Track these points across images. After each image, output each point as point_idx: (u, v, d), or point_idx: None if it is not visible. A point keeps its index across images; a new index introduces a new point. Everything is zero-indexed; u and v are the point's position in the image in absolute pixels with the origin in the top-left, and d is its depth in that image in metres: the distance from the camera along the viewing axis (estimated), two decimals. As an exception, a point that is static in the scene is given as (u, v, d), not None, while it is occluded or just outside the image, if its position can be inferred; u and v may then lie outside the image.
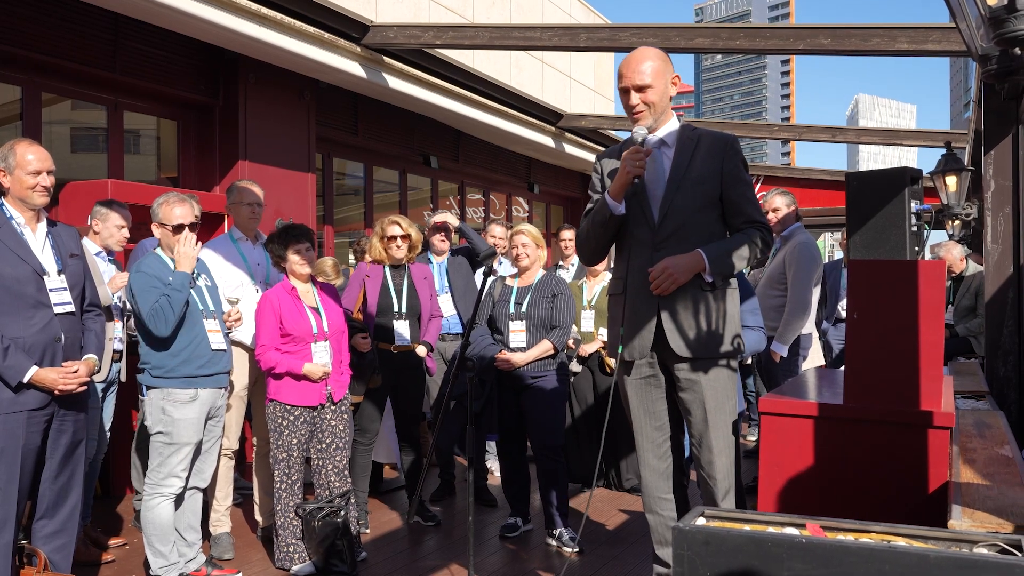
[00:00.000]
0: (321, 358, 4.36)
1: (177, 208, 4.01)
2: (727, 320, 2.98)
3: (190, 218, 4.04)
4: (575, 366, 5.73)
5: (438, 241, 5.97)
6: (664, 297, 2.93)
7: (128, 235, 4.70)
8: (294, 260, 4.37)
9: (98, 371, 3.68)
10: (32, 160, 3.44)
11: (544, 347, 4.72)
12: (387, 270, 5.12)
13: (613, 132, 12.45)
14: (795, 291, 5.17)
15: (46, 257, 3.48)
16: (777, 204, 5.46)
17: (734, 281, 3.06)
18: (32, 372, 3.33)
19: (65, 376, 3.40)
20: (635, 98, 2.97)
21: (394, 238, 5.06)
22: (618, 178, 2.96)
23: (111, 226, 4.60)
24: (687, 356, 2.94)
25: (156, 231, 4.04)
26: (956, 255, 7.16)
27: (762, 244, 2.98)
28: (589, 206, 3.20)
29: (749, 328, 3.46)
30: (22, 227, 3.46)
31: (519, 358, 4.69)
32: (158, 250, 4.08)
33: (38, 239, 3.50)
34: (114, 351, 4.63)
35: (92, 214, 4.65)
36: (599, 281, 5.82)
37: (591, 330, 5.72)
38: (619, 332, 3.00)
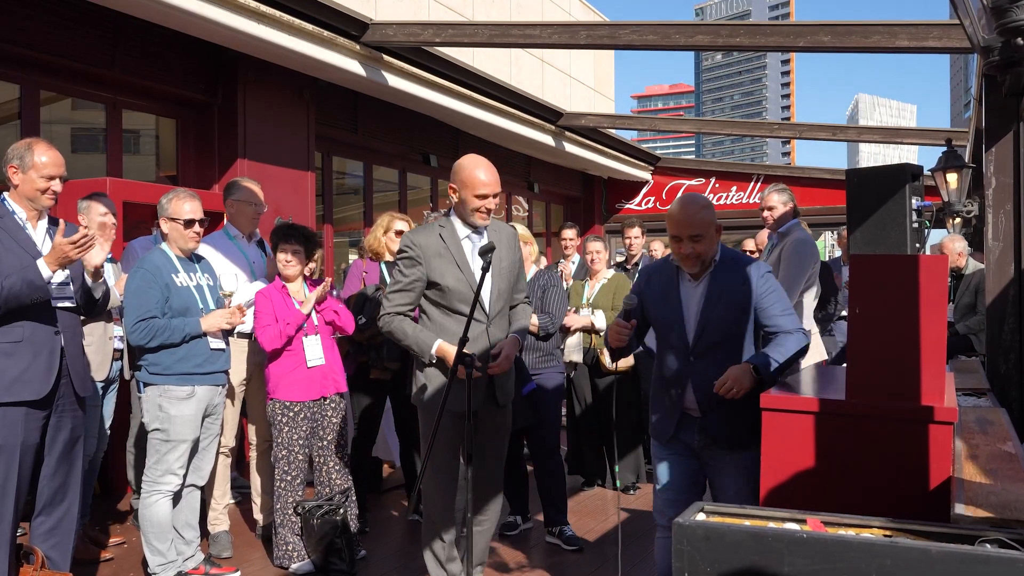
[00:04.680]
0: (314, 352, 4.36)
1: (187, 203, 4.00)
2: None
3: (200, 214, 4.03)
4: (576, 355, 5.72)
5: None
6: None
7: (114, 222, 4.65)
8: (281, 258, 4.39)
9: (103, 280, 3.70)
10: (48, 163, 3.45)
11: (532, 319, 4.71)
12: (383, 266, 5.12)
13: (613, 131, 12.43)
14: (784, 283, 5.14)
15: (47, 252, 3.47)
16: (772, 203, 5.42)
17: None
18: (41, 263, 3.32)
19: (68, 242, 3.33)
20: (492, 204, 3.47)
21: (401, 232, 5.07)
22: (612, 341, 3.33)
23: (94, 216, 4.57)
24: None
25: (164, 226, 4.02)
26: (956, 249, 7.07)
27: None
28: (397, 286, 3.46)
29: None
30: (24, 222, 3.48)
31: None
32: (163, 245, 4.06)
33: (39, 234, 3.52)
34: (115, 350, 4.62)
35: (78, 210, 4.63)
36: (599, 280, 5.83)
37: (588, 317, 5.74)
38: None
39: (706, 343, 3.25)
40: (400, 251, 3.50)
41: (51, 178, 3.46)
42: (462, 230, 3.49)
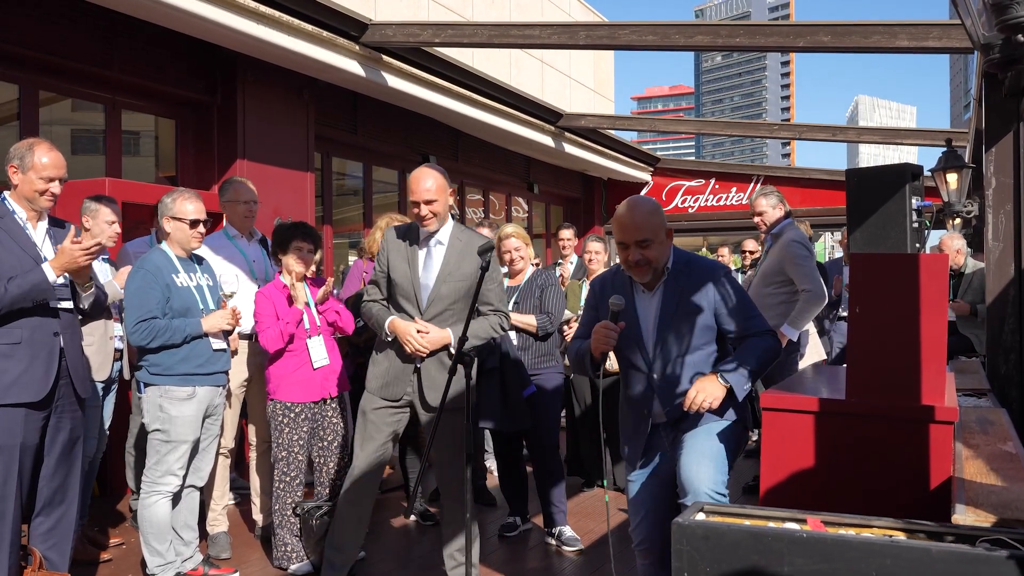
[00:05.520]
0: (318, 353, 4.35)
1: (191, 203, 3.99)
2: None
3: (204, 214, 4.03)
4: None
5: None
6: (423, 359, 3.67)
7: (119, 231, 4.65)
8: (291, 257, 4.37)
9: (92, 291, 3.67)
10: (47, 165, 3.44)
11: (527, 319, 4.71)
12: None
13: (613, 132, 12.42)
14: (806, 280, 5.13)
15: (47, 252, 3.47)
16: (762, 207, 5.44)
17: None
18: (47, 267, 3.33)
19: (80, 248, 3.36)
20: (424, 210, 3.61)
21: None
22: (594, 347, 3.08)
23: (101, 222, 4.56)
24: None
25: (168, 225, 4.00)
26: (954, 247, 7.10)
27: (500, 329, 3.76)
28: (372, 277, 3.81)
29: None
30: (24, 222, 3.47)
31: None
32: (163, 245, 4.05)
33: (39, 234, 3.51)
34: (115, 350, 4.61)
35: (83, 210, 4.61)
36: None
37: None
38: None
39: (666, 358, 3.05)
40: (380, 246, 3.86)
41: (50, 180, 3.45)
42: (424, 232, 3.71)
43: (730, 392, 2.95)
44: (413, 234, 3.71)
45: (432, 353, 3.66)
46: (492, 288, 3.73)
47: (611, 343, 3.00)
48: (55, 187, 3.47)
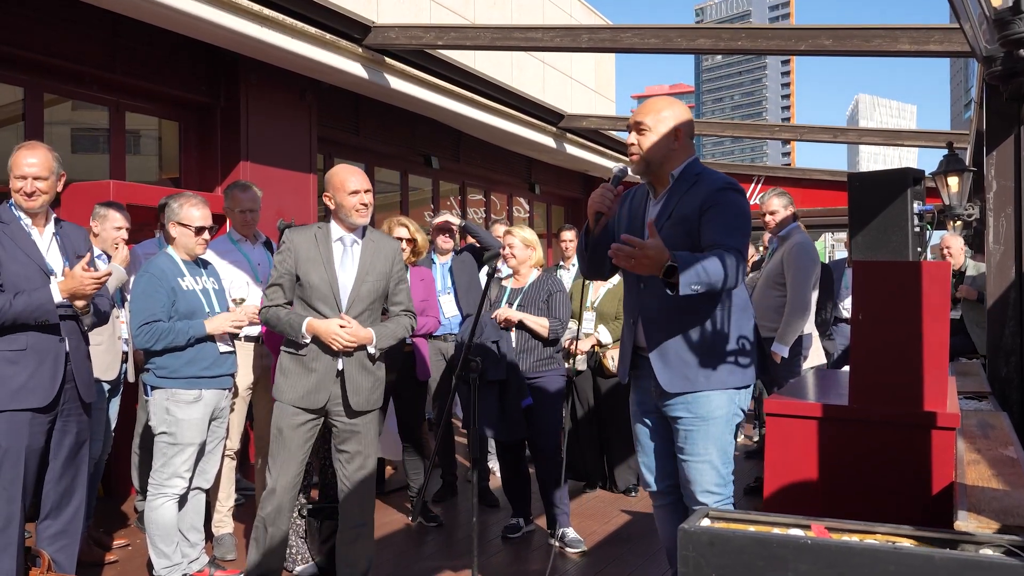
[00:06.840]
0: None
1: (197, 209, 4.00)
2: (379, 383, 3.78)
3: (209, 221, 4.04)
4: (581, 365, 5.72)
5: (442, 241, 6.02)
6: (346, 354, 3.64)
7: (126, 236, 4.68)
8: None
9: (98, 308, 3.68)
10: (18, 163, 3.46)
11: (541, 321, 4.72)
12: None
13: (614, 133, 12.44)
14: (794, 291, 5.17)
15: (53, 257, 3.49)
16: (774, 207, 5.48)
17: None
18: (54, 288, 3.34)
19: (91, 277, 3.39)
20: (367, 198, 3.62)
21: (399, 240, 5.08)
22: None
23: (109, 227, 4.59)
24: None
25: (174, 230, 4.01)
26: (957, 245, 7.18)
27: (412, 328, 3.87)
28: (270, 281, 3.73)
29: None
30: (29, 227, 3.48)
31: (515, 315, 4.71)
32: (169, 249, 4.07)
33: (44, 239, 3.52)
34: (122, 352, 4.63)
35: (92, 215, 4.65)
36: (604, 283, 5.78)
37: (591, 331, 5.72)
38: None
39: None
40: (279, 248, 3.78)
41: (23, 178, 3.43)
42: (335, 233, 3.70)
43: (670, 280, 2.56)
44: (321, 235, 3.69)
45: (352, 354, 3.65)
46: (402, 288, 3.80)
47: (606, 202, 2.92)
48: (29, 185, 3.42)
